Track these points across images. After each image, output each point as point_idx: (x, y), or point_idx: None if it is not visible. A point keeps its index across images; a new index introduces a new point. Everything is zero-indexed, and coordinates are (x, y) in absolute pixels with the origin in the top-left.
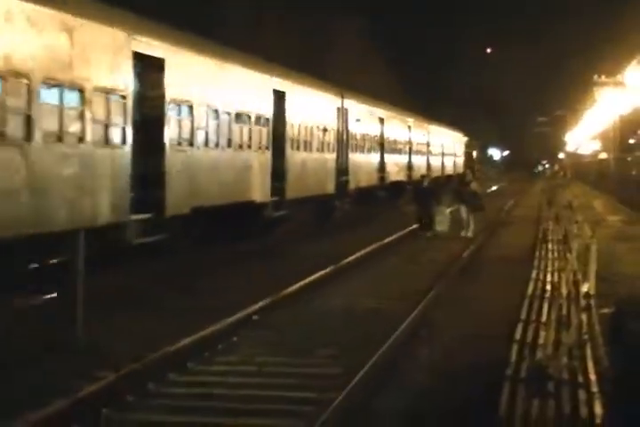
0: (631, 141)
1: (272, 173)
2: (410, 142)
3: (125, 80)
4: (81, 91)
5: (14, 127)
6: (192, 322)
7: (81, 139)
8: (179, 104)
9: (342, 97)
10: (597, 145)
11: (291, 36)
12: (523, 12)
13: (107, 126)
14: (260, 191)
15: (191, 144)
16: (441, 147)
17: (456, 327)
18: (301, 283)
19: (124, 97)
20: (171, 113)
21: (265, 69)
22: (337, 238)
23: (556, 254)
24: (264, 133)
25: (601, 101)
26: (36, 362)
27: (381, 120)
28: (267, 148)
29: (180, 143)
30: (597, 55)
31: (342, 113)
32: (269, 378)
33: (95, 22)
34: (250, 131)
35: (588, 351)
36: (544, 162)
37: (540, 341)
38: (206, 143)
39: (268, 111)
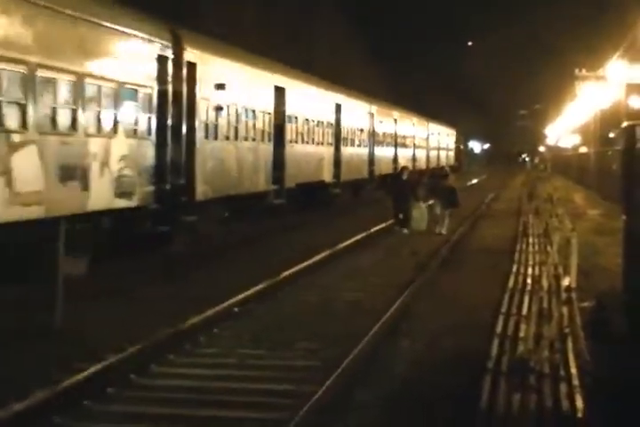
0: (611, 135)
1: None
2: (414, 138)
3: (270, 103)
4: (254, 111)
5: (232, 133)
6: (174, 313)
7: (254, 138)
8: (291, 117)
9: (371, 104)
10: (578, 139)
11: (275, 25)
12: (504, 5)
13: (263, 131)
14: (327, 174)
15: (296, 142)
16: (437, 142)
17: (437, 320)
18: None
19: (269, 113)
20: (287, 123)
21: (330, 88)
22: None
23: (536, 248)
24: (330, 134)
25: (582, 95)
26: (15, 351)
27: (395, 120)
28: (331, 144)
29: (291, 141)
30: (579, 49)
31: (371, 116)
32: (250, 370)
33: (260, 70)
34: (323, 132)
35: (569, 345)
36: (524, 155)
37: (521, 334)
38: (303, 141)
39: (332, 118)
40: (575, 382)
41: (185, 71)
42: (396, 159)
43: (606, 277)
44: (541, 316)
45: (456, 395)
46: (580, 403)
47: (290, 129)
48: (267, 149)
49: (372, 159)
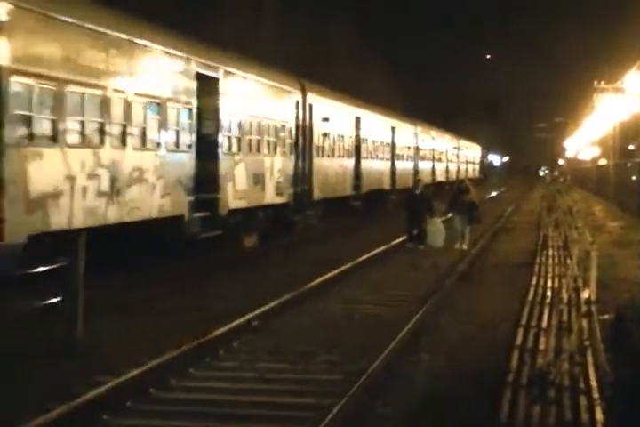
0: (631, 147)
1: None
2: (447, 153)
3: (352, 129)
4: (343, 136)
5: (331, 152)
6: (194, 327)
7: (342, 156)
8: (364, 139)
9: (415, 125)
10: (597, 151)
11: (289, 39)
12: (522, 18)
13: (348, 150)
14: (386, 183)
15: (367, 158)
16: (465, 157)
17: (457, 333)
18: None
19: (351, 137)
20: (362, 144)
21: (387, 114)
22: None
23: (556, 260)
24: (388, 151)
25: (600, 107)
26: (35, 365)
27: (433, 138)
28: (388, 159)
29: (364, 158)
30: (597, 61)
31: (416, 136)
32: (270, 384)
33: (347, 104)
34: (383, 150)
35: (589, 357)
36: (544, 168)
37: (541, 346)
38: (371, 157)
39: (389, 139)
40: (595, 394)
41: (307, 110)
42: (434, 171)
43: (626, 289)
44: (561, 328)
45: (476, 407)
46: (599, 415)
47: (363, 148)
48: (350, 163)
49: (416, 171)
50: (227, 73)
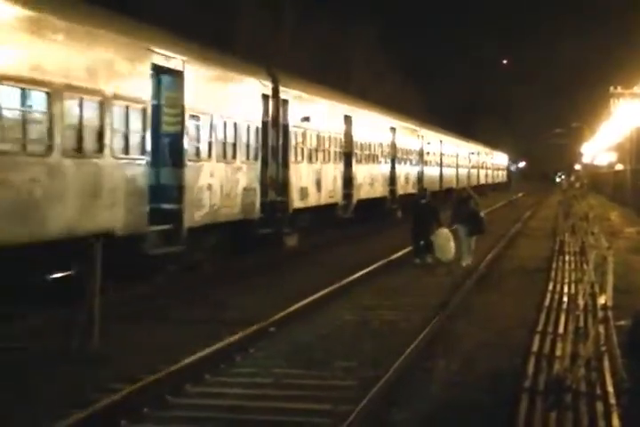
0: None
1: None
2: (486, 162)
3: (438, 149)
4: (434, 153)
5: (430, 163)
6: (209, 334)
7: (434, 165)
8: (443, 154)
9: (468, 142)
10: (614, 156)
11: (307, 44)
12: (539, 24)
13: (436, 162)
14: (453, 183)
15: (444, 166)
16: (497, 164)
17: (473, 339)
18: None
19: (438, 154)
20: (443, 157)
21: (454, 136)
22: None
23: (572, 266)
24: (454, 162)
25: (617, 113)
26: (51, 373)
27: (479, 150)
28: (455, 167)
29: (443, 166)
30: (614, 66)
31: (459, 149)
32: (286, 390)
33: (434, 131)
34: (452, 162)
35: (606, 363)
36: (560, 173)
37: (558, 353)
38: (447, 166)
39: (455, 153)
40: (612, 400)
41: (422, 139)
42: (478, 176)
43: None
44: (578, 334)
45: (493, 414)
46: (616, 422)
47: (443, 160)
48: (437, 170)
49: (469, 175)
50: (400, 127)
